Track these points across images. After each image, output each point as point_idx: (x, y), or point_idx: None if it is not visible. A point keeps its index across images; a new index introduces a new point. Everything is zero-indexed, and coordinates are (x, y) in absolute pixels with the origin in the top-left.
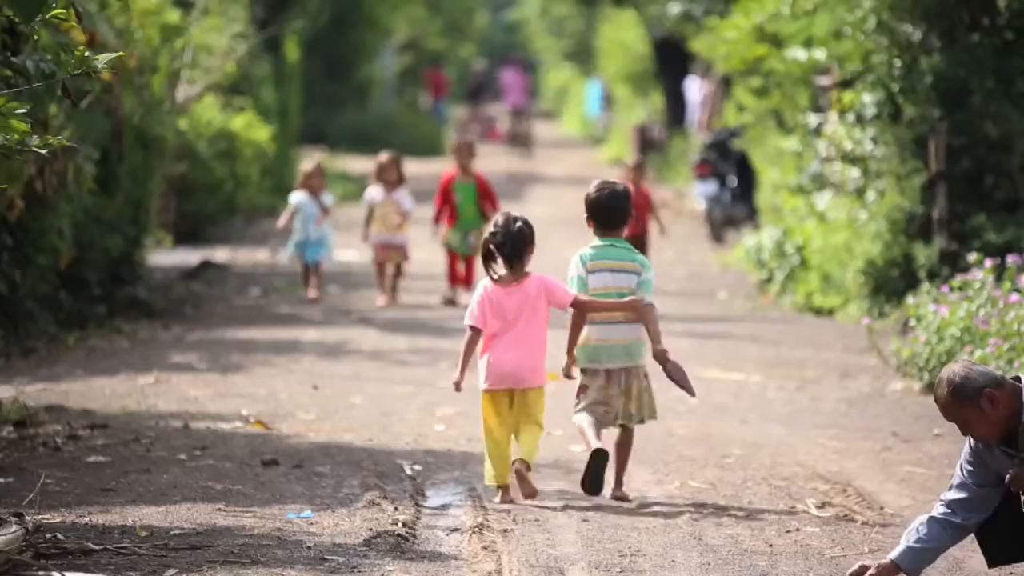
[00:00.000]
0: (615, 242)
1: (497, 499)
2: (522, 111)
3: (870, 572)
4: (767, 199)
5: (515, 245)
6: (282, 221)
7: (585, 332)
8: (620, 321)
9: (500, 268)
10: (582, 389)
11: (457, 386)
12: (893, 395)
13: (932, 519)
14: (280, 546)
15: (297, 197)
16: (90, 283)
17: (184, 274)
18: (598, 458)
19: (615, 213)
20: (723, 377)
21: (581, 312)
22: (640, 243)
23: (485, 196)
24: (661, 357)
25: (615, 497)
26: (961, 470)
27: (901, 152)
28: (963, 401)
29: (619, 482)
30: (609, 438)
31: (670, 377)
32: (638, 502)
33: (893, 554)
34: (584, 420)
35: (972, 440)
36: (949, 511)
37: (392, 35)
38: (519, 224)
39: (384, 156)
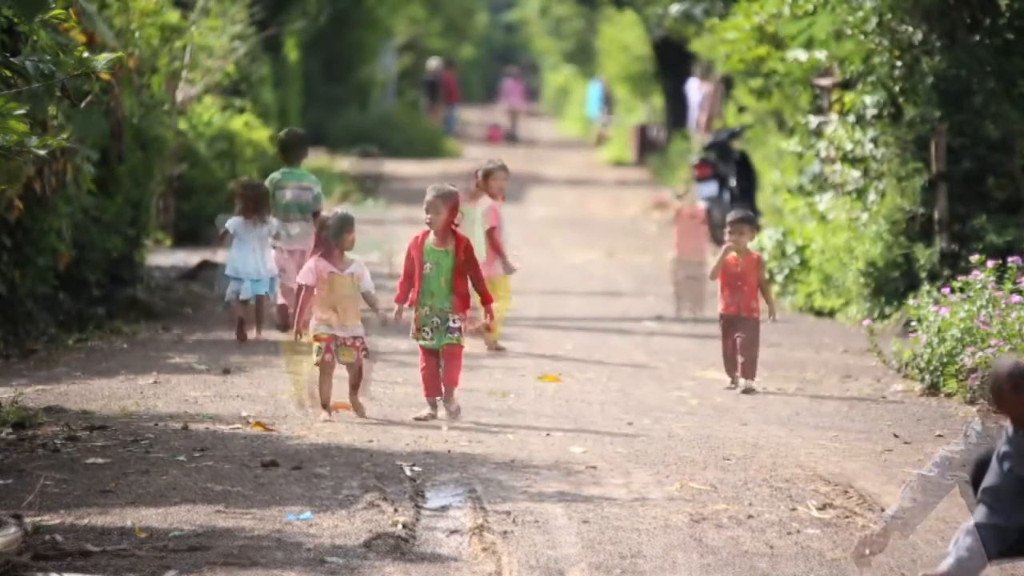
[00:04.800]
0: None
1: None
2: (516, 112)
3: None
4: (768, 200)
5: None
6: (220, 284)
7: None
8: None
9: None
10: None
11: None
12: (894, 396)
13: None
14: (279, 548)
15: (231, 222)
16: (90, 284)
17: (184, 275)
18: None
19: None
20: (723, 378)
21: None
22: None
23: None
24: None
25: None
26: (999, 463)
27: (902, 153)
28: None
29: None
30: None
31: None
32: (638, 503)
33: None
34: None
35: (1011, 431)
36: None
37: (392, 35)
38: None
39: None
